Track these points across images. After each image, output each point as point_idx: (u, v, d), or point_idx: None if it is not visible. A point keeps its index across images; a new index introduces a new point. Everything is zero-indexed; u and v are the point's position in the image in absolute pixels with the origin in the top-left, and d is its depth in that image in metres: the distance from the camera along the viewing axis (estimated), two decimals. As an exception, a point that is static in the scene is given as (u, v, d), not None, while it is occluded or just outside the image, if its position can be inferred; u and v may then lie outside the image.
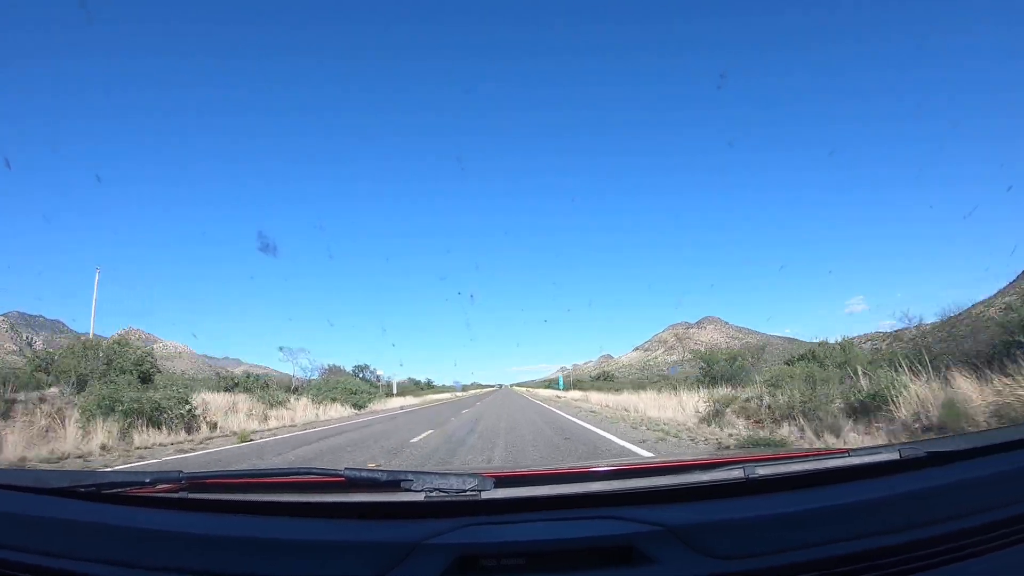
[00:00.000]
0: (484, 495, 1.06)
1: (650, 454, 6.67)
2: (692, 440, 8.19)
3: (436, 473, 1.11)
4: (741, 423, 9.17)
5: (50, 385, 13.80)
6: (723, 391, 12.43)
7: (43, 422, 10.04)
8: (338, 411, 22.55)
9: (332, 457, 8.05)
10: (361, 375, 34.05)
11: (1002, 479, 1.12)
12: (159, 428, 11.17)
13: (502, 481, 1.14)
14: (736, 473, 1.12)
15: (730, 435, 8.06)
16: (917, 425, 5.99)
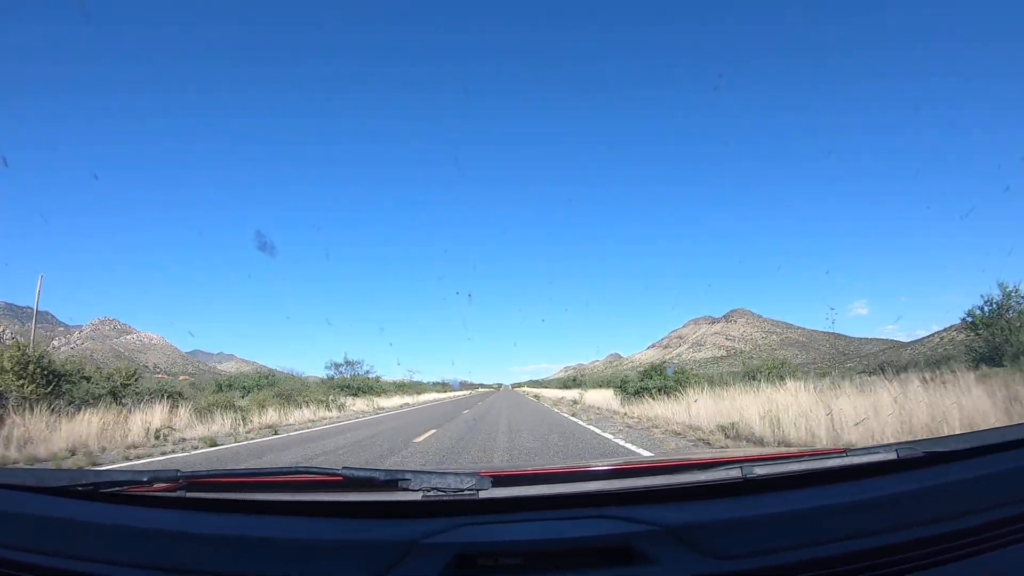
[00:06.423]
0: (482, 494, 1.13)
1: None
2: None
3: (434, 472, 1.17)
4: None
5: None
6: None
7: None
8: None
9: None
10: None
11: (999, 479, 1.18)
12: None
13: (500, 480, 1.20)
14: (734, 472, 1.19)
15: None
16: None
